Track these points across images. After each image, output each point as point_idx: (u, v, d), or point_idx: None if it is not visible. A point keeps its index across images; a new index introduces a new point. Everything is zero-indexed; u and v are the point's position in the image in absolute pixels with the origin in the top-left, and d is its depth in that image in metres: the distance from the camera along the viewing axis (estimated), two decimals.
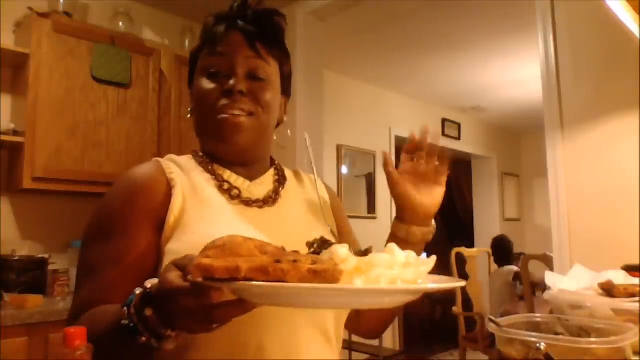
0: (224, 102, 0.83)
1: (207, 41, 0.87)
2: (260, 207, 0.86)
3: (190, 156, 0.90)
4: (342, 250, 0.53)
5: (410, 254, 0.58)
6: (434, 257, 0.60)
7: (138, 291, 0.61)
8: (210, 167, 0.87)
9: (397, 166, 0.90)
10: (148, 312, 0.58)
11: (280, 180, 0.93)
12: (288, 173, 0.97)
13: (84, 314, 0.73)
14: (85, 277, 0.78)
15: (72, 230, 2.61)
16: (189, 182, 0.82)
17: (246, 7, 0.87)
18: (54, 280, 2.35)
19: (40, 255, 2.35)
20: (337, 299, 0.54)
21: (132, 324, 0.59)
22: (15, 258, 2.26)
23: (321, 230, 0.89)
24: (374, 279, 0.52)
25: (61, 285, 2.34)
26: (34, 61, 2.29)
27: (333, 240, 0.66)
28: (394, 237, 0.85)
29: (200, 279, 0.50)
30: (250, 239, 0.55)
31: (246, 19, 0.86)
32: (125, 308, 0.60)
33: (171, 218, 0.77)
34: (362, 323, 0.96)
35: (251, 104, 0.84)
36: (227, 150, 0.86)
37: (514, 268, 4.18)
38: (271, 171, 0.93)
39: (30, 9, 2.32)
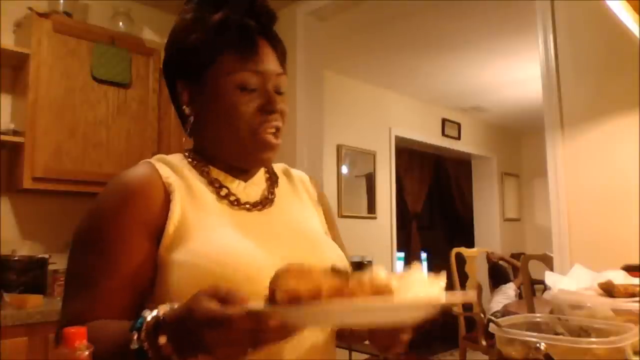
0: (263, 122, 0.81)
1: (238, 48, 0.81)
2: (260, 210, 0.85)
3: (182, 156, 0.87)
4: (382, 272, 0.57)
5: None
6: (443, 274, 0.64)
7: (149, 317, 0.60)
8: (205, 170, 0.84)
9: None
10: (162, 339, 0.58)
11: (272, 178, 0.92)
12: (277, 169, 0.96)
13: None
14: (78, 288, 0.75)
15: (72, 230, 2.61)
16: (185, 186, 0.80)
17: (255, 2, 0.84)
18: (54, 280, 2.35)
19: (40, 255, 2.35)
20: (411, 313, 0.59)
21: (142, 350, 0.58)
22: (15, 258, 2.27)
23: (318, 231, 0.91)
24: (417, 295, 0.57)
25: (61, 285, 2.34)
26: (34, 61, 2.29)
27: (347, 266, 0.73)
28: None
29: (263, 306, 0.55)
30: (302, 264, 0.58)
31: (261, 19, 0.84)
32: (135, 332, 0.59)
33: (170, 226, 0.75)
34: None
35: (280, 120, 0.84)
36: (253, 164, 0.86)
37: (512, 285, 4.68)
38: (261, 170, 0.92)
39: (30, 9, 2.32)
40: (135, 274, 0.74)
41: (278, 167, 0.97)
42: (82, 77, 2.43)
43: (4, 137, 2.25)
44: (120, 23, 2.70)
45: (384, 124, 4.96)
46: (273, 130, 0.82)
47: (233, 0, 0.83)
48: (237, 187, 0.85)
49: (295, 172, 0.99)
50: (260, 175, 0.90)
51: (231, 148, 0.83)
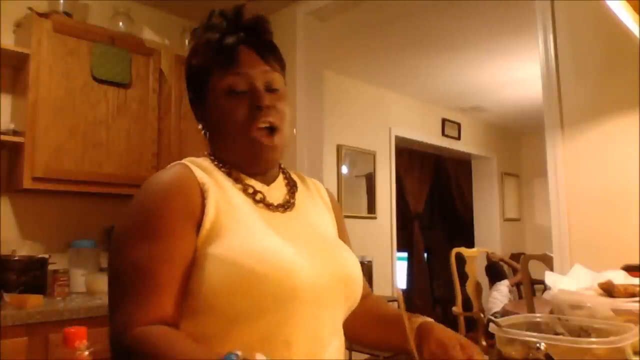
0: (253, 118, 0.85)
1: (220, 61, 0.88)
2: (282, 212, 0.89)
3: (209, 160, 0.91)
4: None
5: None
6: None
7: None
8: (231, 171, 0.89)
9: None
10: None
11: (290, 184, 0.97)
12: (294, 176, 1.01)
13: (141, 329, 0.70)
14: (135, 278, 0.75)
15: (72, 230, 2.61)
16: (217, 185, 0.84)
17: (241, 17, 0.90)
18: (54, 280, 2.34)
19: (40, 255, 2.35)
20: None
21: None
22: (15, 258, 2.26)
23: (335, 236, 0.97)
24: None
25: (61, 285, 2.34)
26: (34, 61, 2.29)
27: None
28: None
29: None
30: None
31: (245, 30, 0.89)
32: None
33: (207, 222, 0.79)
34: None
35: (275, 116, 0.87)
36: (256, 165, 0.89)
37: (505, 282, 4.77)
38: (280, 175, 0.97)
39: (30, 9, 2.32)
40: (187, 262, 0.77)
41: (294, 175, 1.02)
42: (82, 77, 2.43)
43: (4, 137, 2.25)
44: (120, 23, 2.70)
45: (384, 124, 4.96)
46: (264, 126, 0.85)
47: (219, 25, 0.90)
48: (261, 188, 0.90)
49: (310, 180, 1.05)
50: (280, 181, 0.95)
51: (233, 153, 0.88)
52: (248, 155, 0.88)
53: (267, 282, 0.75)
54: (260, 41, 0.91)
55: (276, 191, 0.92)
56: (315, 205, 0.99)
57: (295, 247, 0.82)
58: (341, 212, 1.07)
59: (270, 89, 0.88)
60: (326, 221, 0.99)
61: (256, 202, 0.87)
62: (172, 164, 0.89)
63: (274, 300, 0.76)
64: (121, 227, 0.81)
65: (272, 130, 0.86)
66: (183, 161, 0.88)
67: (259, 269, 0.75)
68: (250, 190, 0.88)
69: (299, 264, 0.79)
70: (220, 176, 0.87)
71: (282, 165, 0.99)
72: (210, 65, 0.89)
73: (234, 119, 0.86)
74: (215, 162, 0.90)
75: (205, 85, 0.90)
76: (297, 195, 0.95)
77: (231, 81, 0.86)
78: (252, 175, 0.90)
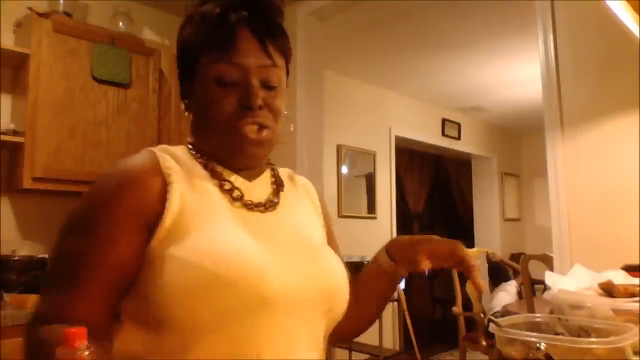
0: (242, 117, 0.77)
1: (214, 44, 0.77)
2: (262, 211, 0.80)
3: (186, 148, 0.83)
4: None
5: None
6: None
7: None
8: (209, 164, 0.80)
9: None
10: None
11: (277, 182, 0.88)
12: (282, 174, 0.92)
13: (46, 325, 0.65)
14: (61, 275, 0.71)
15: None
16: (187, 177, 0.75)
17: None
18: None
19: (40, 255, 2.35)
20: None
21: None
22: (15, 258, 2.26)
23: (319, 239, 0.88)
24: None
25: None
26: (34, 61, 2.29)
27: None
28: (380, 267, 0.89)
29: None
30: None
31: (250, 8, 0.79)
32: None
33: (167, 219, 0.70)
34: (345, 328, 0.90)
35: (267, 116, 0.78)
36: (238, 160, 0.81)
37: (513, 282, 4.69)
38: (268, 171, 0.88)
39: (30, 9, 2.32)
40: (121, 266, 0.69)
41: (284, 173, 0.93)
42: (82, 77, 2.43)
43: (4, 137, 2.25)
44: (120, 23, 2.70)
45: (384, 124, 4.96)
46: (254, 127, 0.77)
47: None
48: (242, 184, 0.81)
49: (300, 179, 0.96)
50: (266, 178, 0.87)
51: (216, 145, 0.80)
52: (231, 149, 0.79)
53: (233, 289, 0.66)
54: (266, 24, 0.79)
55: (259, 189, 0.83)
56: (302, 206, 0.90)
57: (270, 250, 0.73)
58: (330, 220, 0.97)
59: (268, 86, 0.79)
60: (313, 225, 0.90)
61: (233, 199, 0.78)
62: (143, 149, 0.81)
63: (241, 310, 0.67)
64: (69, 213, 0.75)
65: (261, 127, 0.78)
66: (155, 148, 0.80)
67: (223, 274, 0.66)
68: (227, 187, 0.78)
69: (270, 268, 0.70)
70: (195, 168, 0.78)
71: (271, 162, 0.91)
72: (203, 45, 0.79)
73: (220, 111, 0.77)
74: (193, 152, 0.81)
75: (195, 63, 0.80)
76: (283, 195, 0.86)
77: (223, 70, 0.76)
78: (235, 170, 0.81)
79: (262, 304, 0.68)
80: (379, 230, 4.78)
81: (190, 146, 0.83)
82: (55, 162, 2.32)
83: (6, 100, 2.48)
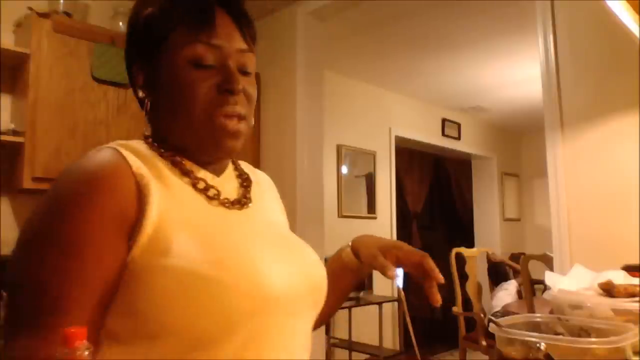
0: (221, 103, 0.71)
1: (190, 20, 0.71)
2: (239, 209, 0.76)
3: (145, 144, 0.74)
4: None
5: None
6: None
7: None
8: (177, 160, 0.73)
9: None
10: None
11: (242, 176, 0.83)
12: (245, 168, 0.88)
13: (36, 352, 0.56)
14: (38, 302, 0.59)
15: None
16: (159, 178, 0.68)
17: None
18: None
19: None
20: None
21: None
22: None
23: (293, 234, 0.86)
24: None
25: None
26: (34, 61, 2.29)
27: None
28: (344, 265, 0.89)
29: None
30: None
31: None
32: None
33: (147, 226, 0.63)
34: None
35: (244, 104, 0.74)
36: (213, 153, 0.75)
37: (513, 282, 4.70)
38: (230, 165, 0.83)
39: (30, 9, 2.32)
40: (108, 281, 0.61)
41: (245, 167, 0.89)
42: (82, 77, 2.43)
43: (4, 137, 2.25)
44: (120, 23, 2.69)
45: (384, 124, 4.96)
46: (233, 114, 0.72)
47: None
48: (212, 181, 0.75)
49: (259, 173, 0.92)
50: (231, 172, 0.82)
51: (187, 134, 0.72)
52: (205, 140, 0.72)
53: (234, 292, 0.62)
54: (239, 9, 0.75)
55: (227, 184, 0.78)
56: (270, 202, 0.87)
57: (260, 248, 0.70)
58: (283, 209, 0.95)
59: (244, 71, 0.74)
60: (283, 220, 0.88)
61: (210, 198, 0.73)
62: (97, 147, 0.69)
63: (243, 313, 0.63)
64: (28, 229, 0.63)
65: (239, 118, 0.73)
66: (112, 144, 0.69)
67: (223, 278, 0.62)
68: (201, 185, 0.73)
69: (267, 267, 0.68)
70: (163, 166, 0.71)
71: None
72: (175, 21, 0.71)
73: (195, 97, 0.70)
74: (155, 147, 0.73)
75: (161, 43, 0.72)
76: (252, 190, 0.81)
77: (200, 51, 0.70)
78: (203, 165, 0.75)
79: (265, 304, 0.65)
80: (379, 230, 4.78)
81: (150, 140, 0.75)
82: (55, 162, 2.32)
83: (6, 100, 2.48)
